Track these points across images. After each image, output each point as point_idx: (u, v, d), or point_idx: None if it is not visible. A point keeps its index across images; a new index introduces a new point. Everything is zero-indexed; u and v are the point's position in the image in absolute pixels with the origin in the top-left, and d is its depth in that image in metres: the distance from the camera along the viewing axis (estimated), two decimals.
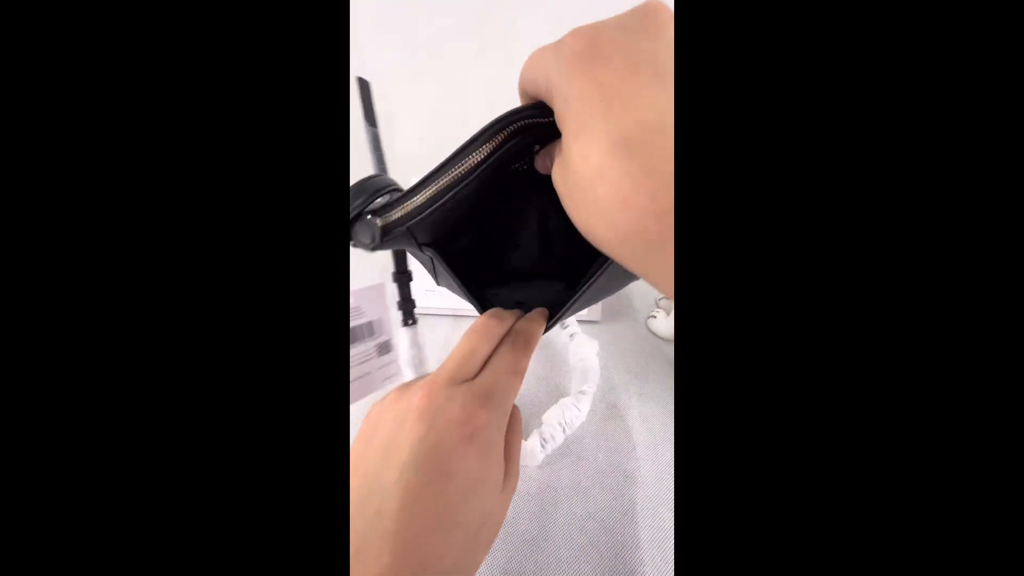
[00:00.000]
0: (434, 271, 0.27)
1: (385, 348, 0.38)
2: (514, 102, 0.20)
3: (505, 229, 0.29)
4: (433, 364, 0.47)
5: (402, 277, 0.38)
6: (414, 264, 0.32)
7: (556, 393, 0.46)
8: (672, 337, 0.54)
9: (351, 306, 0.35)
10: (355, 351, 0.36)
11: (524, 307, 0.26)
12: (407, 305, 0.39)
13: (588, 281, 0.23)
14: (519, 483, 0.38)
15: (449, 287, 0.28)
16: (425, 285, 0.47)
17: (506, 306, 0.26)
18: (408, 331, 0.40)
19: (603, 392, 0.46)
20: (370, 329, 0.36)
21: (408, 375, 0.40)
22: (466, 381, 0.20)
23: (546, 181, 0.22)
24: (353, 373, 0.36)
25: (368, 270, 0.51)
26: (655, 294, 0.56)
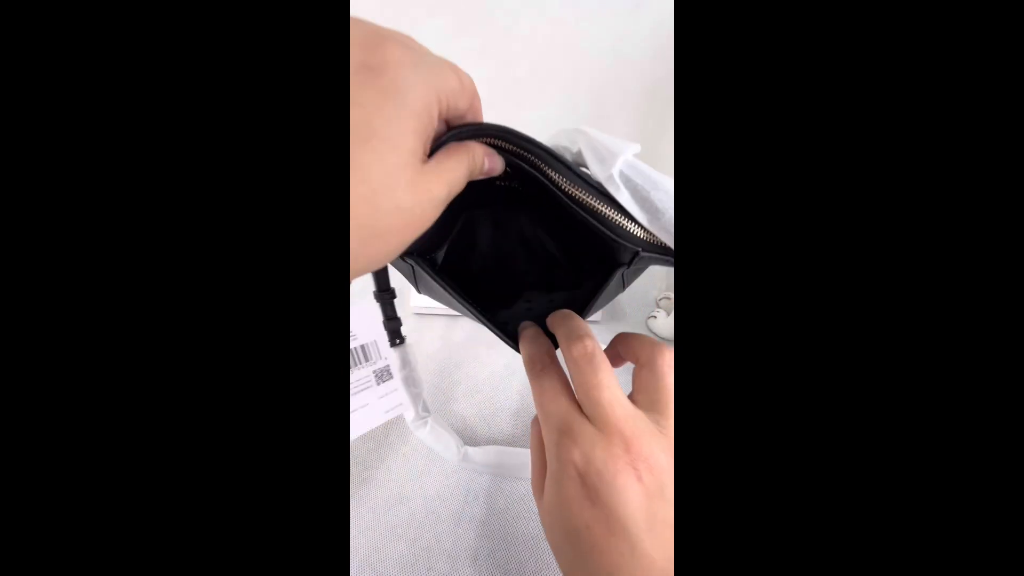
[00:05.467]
0: (415, 279, 0.27)
1: (384, 375, 0.36)
2: (512, 101, 0.19)
3: (492, 242, 0.29)
4: (427, 376, 0.45)
5: (384, 295, 0.34)
6: (398, 277, 0.31)
7: None
8: (672, 337, 0.54)
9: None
10: (353, 377, 0.33)
11: (531, 312, 0.26)
12: (393, 324, 0.36)
13: (604, 283, 0.23)
14: (518, 484, 0.38)
15: (434, 295, 0.28)
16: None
17: (516, 315, 0.26)
18: (397, 351, 0.37)
19: None
20: (365, 354, 0.34)
21: (406, 401, 0.37)
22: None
23: (533, 197, 0.22)
24: (352, 403, 0.33)
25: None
26: (655, 294, 0.56)
